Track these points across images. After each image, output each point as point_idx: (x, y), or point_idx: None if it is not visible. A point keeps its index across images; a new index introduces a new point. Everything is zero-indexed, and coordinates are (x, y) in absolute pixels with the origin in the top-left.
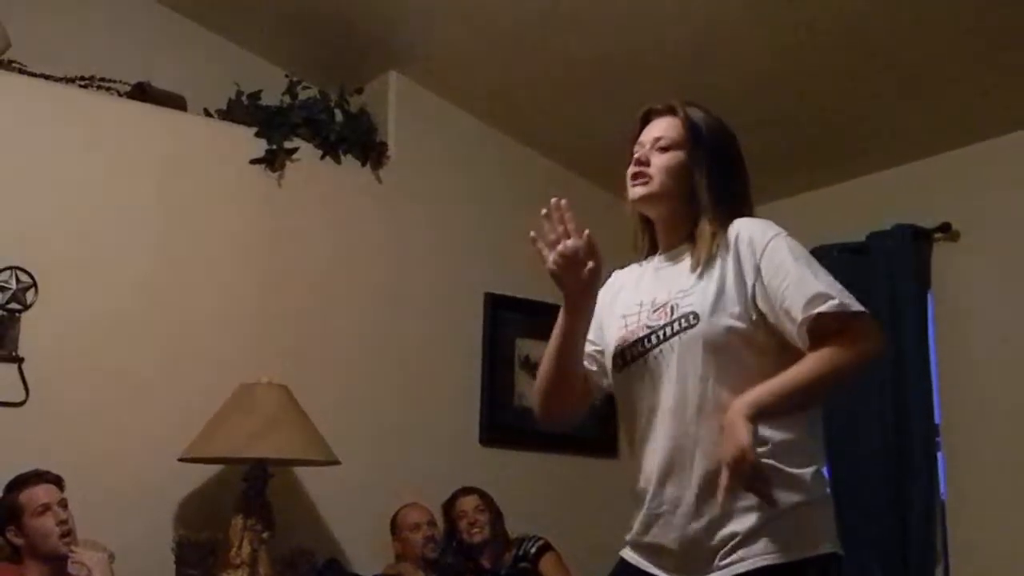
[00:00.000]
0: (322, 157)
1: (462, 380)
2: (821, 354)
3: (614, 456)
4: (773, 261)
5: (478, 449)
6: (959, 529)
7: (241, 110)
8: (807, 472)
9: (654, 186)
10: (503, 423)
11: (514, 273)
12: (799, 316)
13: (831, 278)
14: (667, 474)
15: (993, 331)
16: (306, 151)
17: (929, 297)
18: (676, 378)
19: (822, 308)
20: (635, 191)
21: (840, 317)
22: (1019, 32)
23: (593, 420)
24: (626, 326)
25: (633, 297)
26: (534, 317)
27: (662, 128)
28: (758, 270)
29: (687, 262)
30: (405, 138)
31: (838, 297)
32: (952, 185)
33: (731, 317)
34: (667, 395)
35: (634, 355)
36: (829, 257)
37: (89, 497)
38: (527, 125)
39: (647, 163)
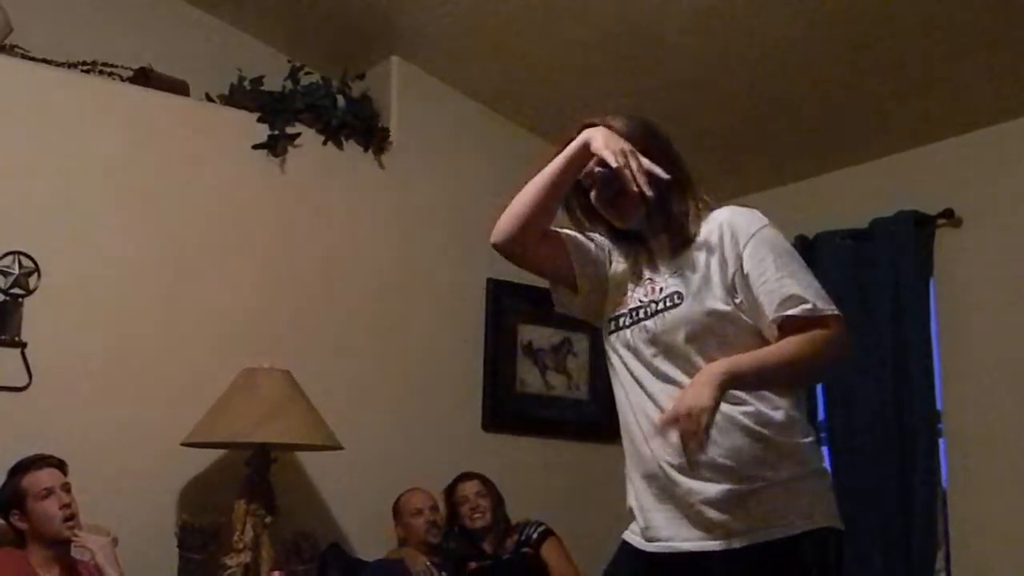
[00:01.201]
0: (324, 143)
1: (464, 366)
2: (800, 339)
3: (616, 442)
4: (755, 255)
5: (480, 435)
6: (960, 516)
7: (243, 95)
8: (802, 443)
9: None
10: (505, 409)
11: None
12: (770, 315)
13: (809, 277)
14: (651, 442)
15: (995, 317)
16: (308, 137)
17: (931, 283)
18: (660, 352)
19: (793, 311)
20: (626, 222)
21: (809, 320)
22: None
23: (594, 406)
24: (623, 292)
25: (631, 266)
26: (536, 303)
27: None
28: (740, 260)
29: (669, 247)
30: (407, 123)
31: (811, 300)
32: (955, 171)
33: (713, 299)
34: (652, 367)
35: (623, 324)
36: (832, 243)
37: (92, 481)
38: (529, 110)
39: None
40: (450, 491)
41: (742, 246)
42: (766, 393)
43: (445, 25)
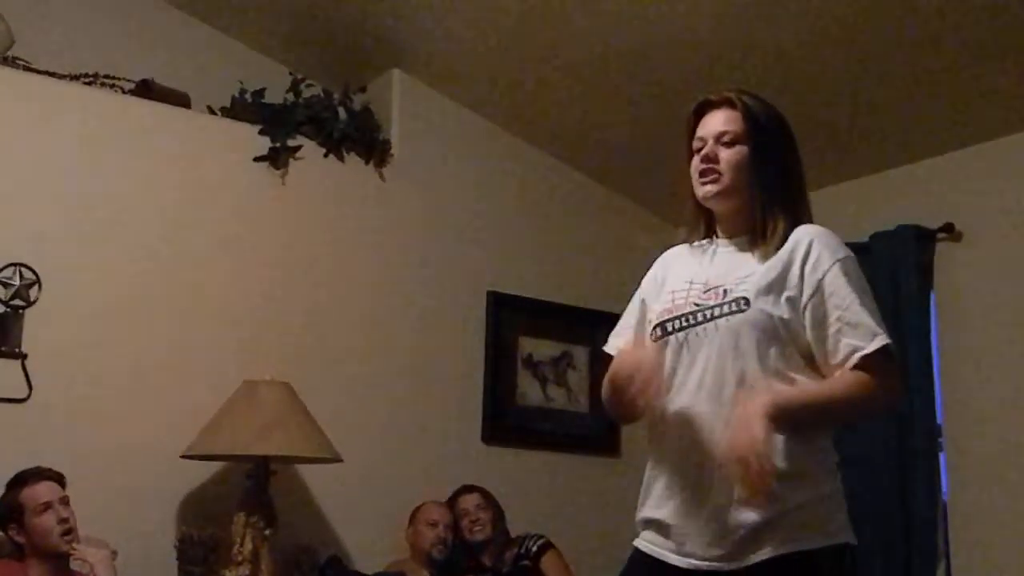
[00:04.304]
0: (325, 155)
1: (465, 378)
2: (859, 380)
3: (616, 455)
4: (832, 287)
5: (480, 447)
6: (961, 529)
7: (245, 108)
8: (823, 467)
9: (724, 183)
10: (505, 421)
11: (517, 271)
12: (836, 358)
13: (877, 317)
14: (691, 452)
15: (995, 331)
16: (309, 149)
17: (932, 297)
18: (715, 358)
19: (854, 359)
20: (706, 188)
21: (875, 361)
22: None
23: (594, 419)
24: (672, 300)
25: (684, 274)
26: (537, 316)
27: (723, 121)
28: (817, 289)
29: (749, 252)
30: (408, 136)
31: (873, 345)
32: (955, 185)
33: (782, 312)
34: (702, 373)
35: (673, 328)
36: None
37: (91, 494)
38: (531, 123)
39: (716, 159)
40: (451, 504)
41: (822, 274)
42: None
43: (446, 39)
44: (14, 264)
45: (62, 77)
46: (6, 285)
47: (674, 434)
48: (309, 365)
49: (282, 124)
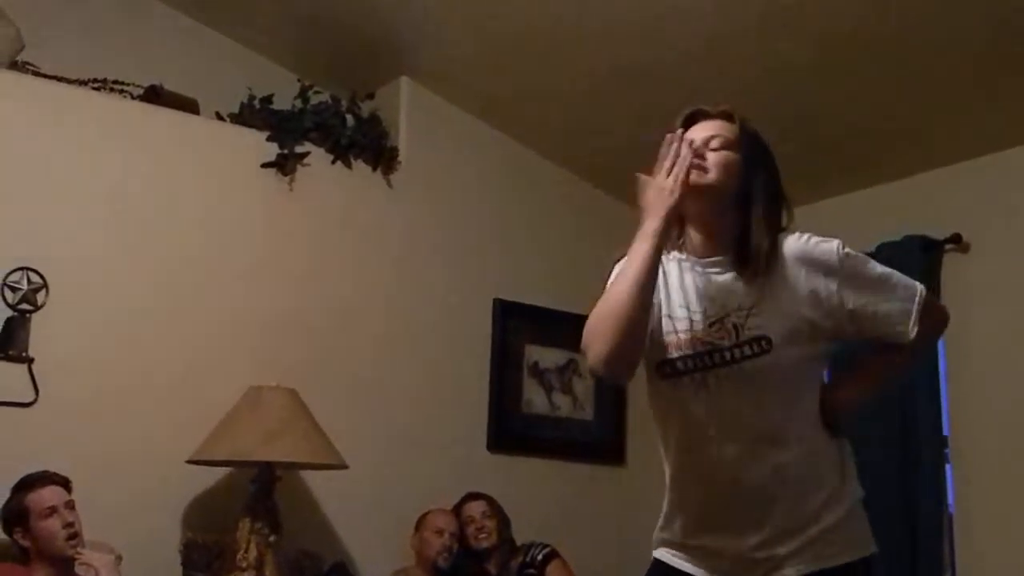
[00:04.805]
0: (333, 162)
1: (470, 386)
2: (916, 348)
3: (622, 464)
4: (856, 279)
5: (486, 455)
6: (967, 541)
7: (253, 114)
8: (854, 487)
9: (710, 178)
10: (511, 429)
11: (523, 279)
12: (909, 335)
13: (894, 277)
14: (726, 491)
15: (1002, 342)
16: (317, 156)
17: None
18: (743, 401)
19: (912, 328)
20: (691, 178)
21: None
22: None
23: (599, 427)
24: (676, 331)
25: (677, 297)
26: (543, 324)
27: (714, 128)
28: (838, 289)
29: (735, 274)
30: (416, 143)
31: (913, 304)
32: (963, 196)
33: (804, 343)
34: (733, 416)
35: (688, 368)
36: None
37: (97, 498)
38: (538, 131)
39: (703, 156)
40: (456, 511)
41: (835, 273)
42: (819, 447)
43: (454, 46)
44: (22, 268)
45: (71, 82)
46: (14, 289)
47: (703, 474)
48: (315, 371)
49: (290, 130)
